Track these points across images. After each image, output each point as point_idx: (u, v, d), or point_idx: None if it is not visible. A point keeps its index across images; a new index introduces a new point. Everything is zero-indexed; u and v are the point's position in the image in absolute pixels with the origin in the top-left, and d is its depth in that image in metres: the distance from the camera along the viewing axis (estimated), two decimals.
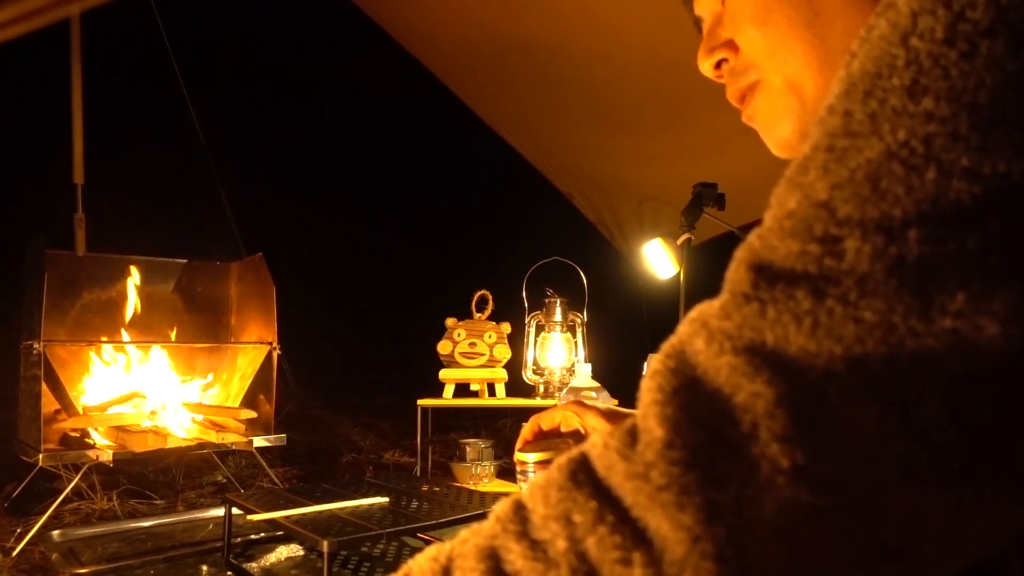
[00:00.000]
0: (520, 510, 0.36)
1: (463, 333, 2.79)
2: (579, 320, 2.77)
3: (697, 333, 0.34)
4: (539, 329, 2.76)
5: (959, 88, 0.31)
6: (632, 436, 0.33)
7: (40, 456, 2.22)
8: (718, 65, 0.59)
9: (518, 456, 0.77)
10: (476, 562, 0.35)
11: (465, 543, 0.37)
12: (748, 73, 0.57)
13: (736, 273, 0.34)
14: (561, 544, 0.33)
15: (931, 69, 0.32)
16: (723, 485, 0.30)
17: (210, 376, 2.99)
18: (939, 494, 0.29)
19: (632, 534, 0.31)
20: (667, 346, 0.35)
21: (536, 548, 0.34)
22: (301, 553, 1.48)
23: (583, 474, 0.34)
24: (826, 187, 0.33)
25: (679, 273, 2.29)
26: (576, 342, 2.75)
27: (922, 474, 0.29)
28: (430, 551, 0.40)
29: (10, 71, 4.24)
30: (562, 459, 0.36)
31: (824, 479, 0.29)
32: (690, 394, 0.32)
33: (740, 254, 0.35)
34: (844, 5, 0.50)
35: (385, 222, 6.70)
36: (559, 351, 2.70)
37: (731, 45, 0.57)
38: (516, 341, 2.80)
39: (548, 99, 3.14)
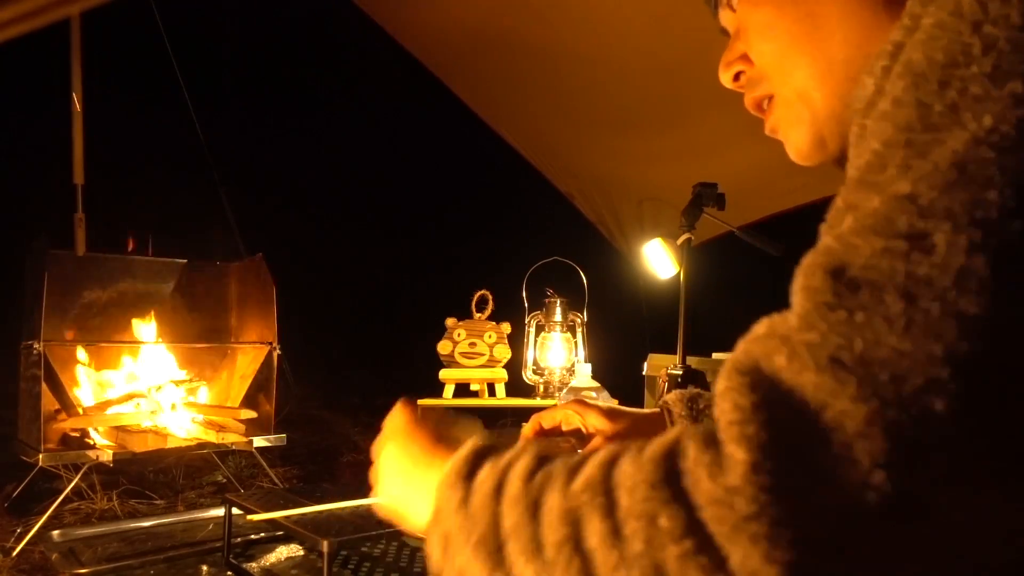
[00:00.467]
0: (608, 481, 0.33)
1: (463, 333, 2.80)
2: (579, 320, 2.76)
3: (776, 350, 0.31)
4: (539, 329, 2.76)
5: None
6: (716, 452, 0.31)
7: (40, 456, 2.22)
8: (736, 77, 0.60)
9: None
10: (560, 524, 0.34)
11: (551, 482, 0.35)
12: (761, 85, 0.58)
13: (813, 280, 0.32)
14: (637, 547, 0.31)
15: (1011, 53, 0.32)
16: (818, 517, 0.28)
17: (210, 376, 2.99)
18: (980, 493, 0.28)
19: (711, 562, 0.29)
20: (735, 362, 0.33)
21: (616, 536, 0.32)
22: (301, 553, 1.48)
23: (671, 481, 0.32)
24: (908, 182, 0.32)
25: (679, 273, 2.29)
26: (576, 342, 2.75)
27: (1009, 488, 0.27)
28: (525, 462, 0.38)
29: (10, 71, 4.23)
30: (656, 449, 0.33)
31: (921, 507, 0.27)
32: (773, 412, 0.30)
33: (816, 259, 0.33)
34: (843, 17, 0.51)
35: (385, 222, 6.70)
36: (559, 351, 2.70)
37: (746, 58, 0.59)
38: (516, 341, 2.80)
39: (548, 99, 3.14)
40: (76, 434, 2.49)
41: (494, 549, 0.36)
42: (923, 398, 0.27)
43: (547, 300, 2.74)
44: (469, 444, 0.44)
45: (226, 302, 3.16)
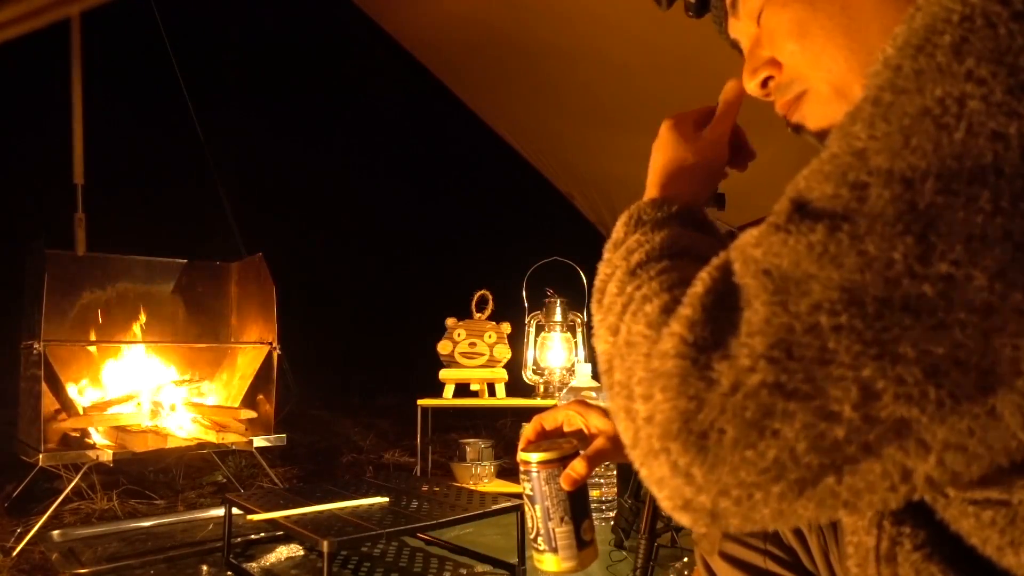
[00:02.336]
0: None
1: (463, 333, 2.79)
2: (579, 320, 2.77)
3: (738, 257, 0.39)
4: (539, 329, 2.76)
5: (1003, 48, 0.33)
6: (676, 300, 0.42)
7: (40, 456, 2.22)
8: (764, 84, 0.60)
9: (521, 456, 0.77)
10: (615, 296, 0.48)
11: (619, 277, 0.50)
12: (793, 86, 0.58)
13: (780, 205, 0.39)
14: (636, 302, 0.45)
15: (982, 27, 0.34)
16: (713, 384, 0.36)
17: (210, 376, 2.99)
18: (889, 408, 0.33)
19: (656, 326, 0.41)
20: (719, 259, 0.41)
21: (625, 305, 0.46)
22: (301, 553, 1.48)
23: (665, 313, 0.42)
24: (866, 138, 0.36)
25: None
26: (576, 342, 2.75)
27: (879, 393, 0.33)
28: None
29: (10, 71, 4.23)
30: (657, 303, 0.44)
31: (798, 393, 0.34)
32: (719, 298, 0.39)
33: (788, 190, 0.39)
34: (878, 6, 0.51)
35: (385, 222, 6.70)
36: (559, 351, 2.70)
37: (773, 63, 0.58)
38: (516, 341, 2.80)
39: (548, 99, 3.14)
40: (76, 434, 2.48)
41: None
42: (814, 313, 0.34)
43: (547, 300, 2.74)
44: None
45: (226, 302, 3.16)
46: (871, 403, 0.33)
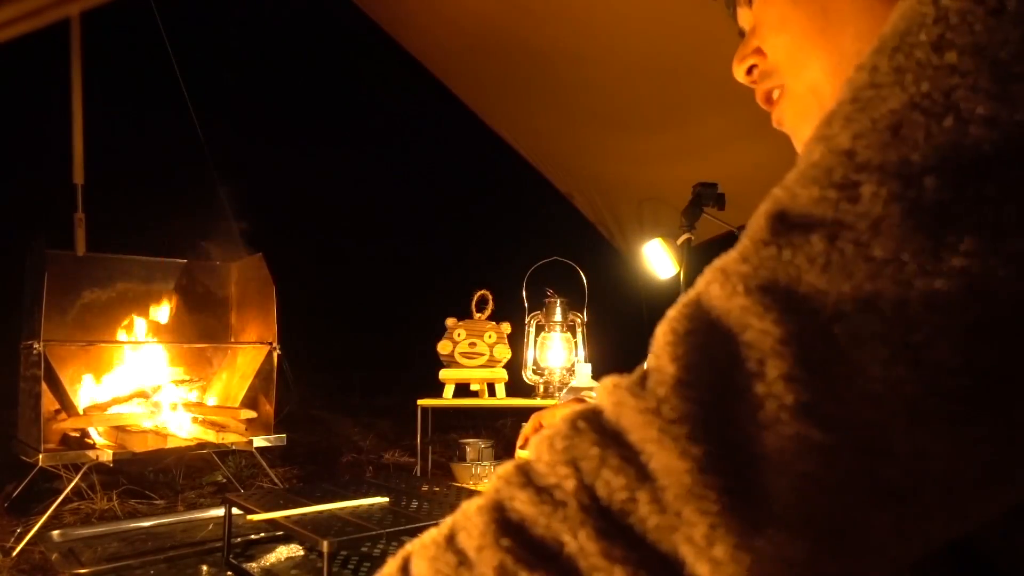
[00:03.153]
0: (523, 466, 0.36)
1: (463, 333, 2.80)
2: (579, 320, 2.77)
3: (714, 279, 0.34)
4: (539, 329, 2.76)
5: (983, 43, 0.32)
6: (643, 376, 0.34)
7: (40, 456, 2.22)
8: (750, 71, 0.62)
9: (519, 455, 0.77)
10: (479, 517, 0.35)
11: (467, 508, 0.37)
12: (773, 77, 0.60)
13: (757, 222, 0.35)
14: (570, 485, 0.33)
15: (958, 25, 0.33)
16: (731, 422, 0.31)
17: (210, 376, 2.99)
18: (945, 436, 0.30)
19: (636, 473, 0.31)
20: (684, 296, 0.36)
21: (543, 493, 0.33)
22: (301, 553, 1.48)
23: (585, 421, 0.35)
24: (848, 136, 0.34)
25: (679, 273, 2.29)
26: (576, 342, 2.75)
27: (930, 416, 0.29)
28: (431, 529, 0.39)
29: (10, 71, 4.23)
30: (566, 412, 0.36)
31: (829, 418, 0.30)
32: (703, 335, 0.33)
33: (763, 205, 0.36)
34: (856, 11, 0.52)
35: (385, 222, 6.70)
36: (559, 351, 2.70)
37: (759, 52, 0.60)
38: (516, 341, 2.80)
39: (548, 99, 3.14)
40: (76, 434, 2.49)
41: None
42: (829, 327, 0.31)
43: (547, 300, 2.74)
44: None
45: (226, 302, 3.16)
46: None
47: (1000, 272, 0.30)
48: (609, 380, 0.36)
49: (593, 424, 0.34)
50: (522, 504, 0.34)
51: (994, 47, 0.32)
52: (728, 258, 0.35)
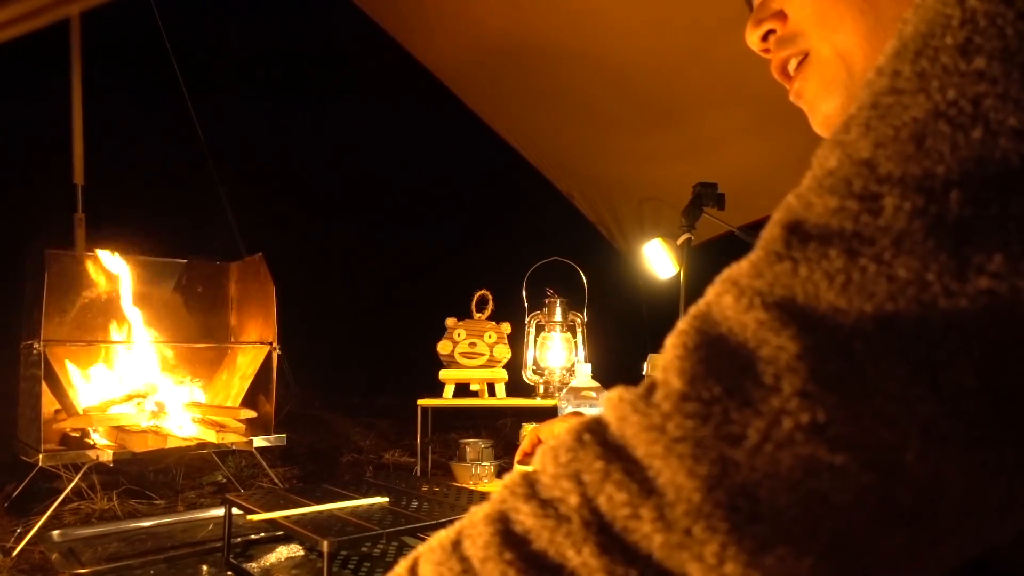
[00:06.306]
0: (528, 477, 0.35)
1: (463, 333, 2.79)
2: (579, 320, 2.76)
3: (727, 291, 0.33)
4: (539, 329, 2.76)
5: (1013, 48, 0.31)
6: (649, 390, 0.33)
7: (40, 456, 2.22)
8: (765, 37, 0.57)
9: (517, 468, 0.77)
10: (484, 526, 0.35)
11: (474, 515, 0.37)
12: (796, 41, 0.55)
13: (770, 231, 0.33)
14: (573, 500, 0.32)
15: (987, 28, 0.32)
16: (740, 439, 0.30)
17: (210, 376, 2.99)
18: (961, 458, 0.29)
19: (640, 488, 0.31)
20: (695, 308, 0.35)
21: (547, 507, 0.33)
22: (301, 553, 1.48)
23: (590, 433, 0.34)
24: (868, 145, 0.32)
25: (679, 273, 2.29)
26: (576, 342, 2.75)
27: (946, 438, 0.28)
28: (440, 532, 0.39)
29: (10, 71, 4.23)
30: (572, 423, 0.36)
31: (843, 437, 0.29)
32: (713, 349, 0.32)
33: (776, 214, 0.34)
34: None
35: (385, 221, 6.70)
36: (559, 351, 2.70)
37: (780, 15, 0.56)
38: (516, 341, 2.80)
39: (548, 99, 3.14)
40: (76, 434, 2.49)
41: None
42: (848, 344, 0.29)
43: (547, 300, 2.74)
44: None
45: (226, 302, 3.16)
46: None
47: None
48: (615, 392, 0.35)
49: (598, 437, 0.33)
50: (526, 517, 0.33)
51: None
52: (741, 270, 0.34)
